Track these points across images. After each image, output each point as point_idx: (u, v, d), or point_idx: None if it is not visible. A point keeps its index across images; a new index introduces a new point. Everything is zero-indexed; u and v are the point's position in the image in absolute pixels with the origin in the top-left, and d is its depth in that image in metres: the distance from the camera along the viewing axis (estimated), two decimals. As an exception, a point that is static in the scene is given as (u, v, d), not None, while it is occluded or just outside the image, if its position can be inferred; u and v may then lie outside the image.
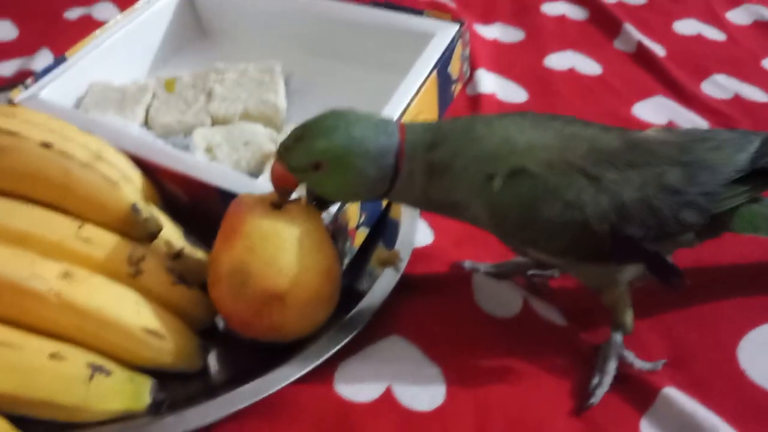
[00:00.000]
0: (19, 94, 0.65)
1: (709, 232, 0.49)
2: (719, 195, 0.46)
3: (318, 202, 0.49)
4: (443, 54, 0.63)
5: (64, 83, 0.69)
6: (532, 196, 0.43)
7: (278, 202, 0.48)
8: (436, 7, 0.95)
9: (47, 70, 0.69)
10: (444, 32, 0.65)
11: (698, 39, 0.89)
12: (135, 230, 0.51)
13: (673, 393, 0.47)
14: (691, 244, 0.49)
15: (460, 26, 0.66)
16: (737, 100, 0.77)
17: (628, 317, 0.49)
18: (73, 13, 0.98)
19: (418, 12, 0.69)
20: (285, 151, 0.45)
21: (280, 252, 0.47)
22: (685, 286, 0.46)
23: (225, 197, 0.55)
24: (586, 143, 0.45)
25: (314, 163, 0.44)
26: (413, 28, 0.68)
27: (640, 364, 0.49)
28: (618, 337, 0.49)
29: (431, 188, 0.45)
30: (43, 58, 0.86)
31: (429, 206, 0.48)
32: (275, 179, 0.47)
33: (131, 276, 0.50)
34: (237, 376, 0.50)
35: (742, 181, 0.47)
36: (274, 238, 0.47)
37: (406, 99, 0.61)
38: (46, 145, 0.49)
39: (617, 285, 0.48)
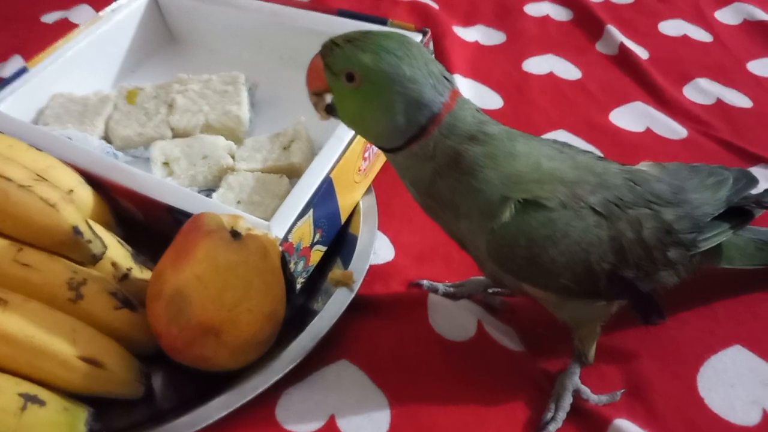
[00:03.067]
0: (-23, 108, 0.64)
1: (687, 272, 0.47)
2: (702, 233, 0.46)
3: (328, 110, 0.43)
4: (404, 64, 0.61)
5: (25, 95, 0.68)
6: (541, 233, 0.41)
7: (239, 232, 0.47)
8: (417, 8, 0.93)
9: (8, 81, 0.68)
10: (405, 42, 0.63)
11: (684, 40, 0.86)
12: (77, 253, 0.50)
13: (624, 424, 0.46)
14: (670, 283, 0.47)
15: (423, 36, 0.64)
16: (719, 105, 0.75)
17: (593, 350, 0.48)
18: (50, 17, 0.97)
19: (382, 21, 0.67)
20: (331, 46, 0.40)
21: (228, 288, 0.46)
22: (661, 324, 0.46)
23: (175, 215, 0.54)
24: (596, 178, 0.43)
25: (349, 73, 0.39)
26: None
27: (596, 398, 0.48)
28: (576, 369, 0.48)
29: (444, 178, 0.41)
30: (14, 65, 0.85)
31: (424, 193, 0.43)
32: (309, 72, 0.42)
33: (71, 301, 0.49)
34: (182, 403, 0.49)
35: (720, 219, 0.47)
36: (225, 272, 0.46)
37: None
38: (-17, 168, 0.48)
39: (597, 320, 0.47)
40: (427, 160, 0.41)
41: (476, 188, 0.41)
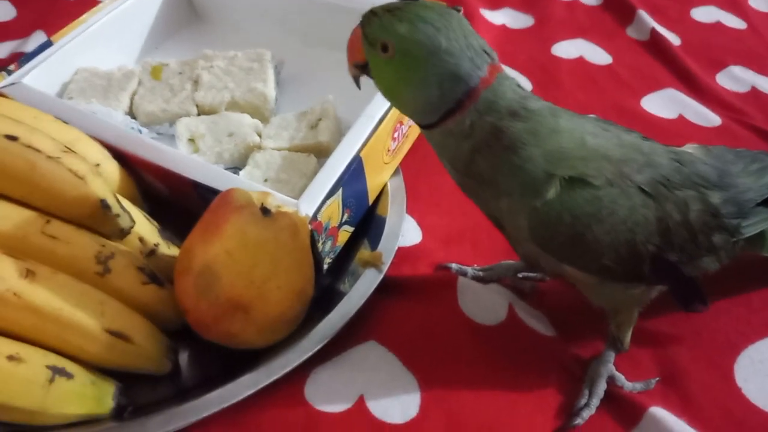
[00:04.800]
0: (1, 80, 0.64)
1: (729, 257, 0.46)
2: (748, 219, 0.45)
3: (361, 71, 0.42)
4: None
5: (49, 69, 0.67)
6: (587, 210, 0.39)
7: (269, 208, 0.46)
8: (443, -10, 0.92)
9: (32, 55, 0.67)
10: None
11: (716, 27, 0.84)
12: (105, 226, 0.50)
13: (660, 413, 0.45)
14: (712, 269, 0.46)
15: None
16: (753, 93, 0.73)
17: (629, 336, 0.47)
18: (72, -6, 0.96)
19: (412, -2, 0.66)
20: (369, 16, 0.39)
21: (258, 264, 0.45)
22: (703, 312, 0.45)
23: (201, 191, 0.53)
24: (642, 157, 0.41)
25: (384, 43, 0.38)
26: None
27: (631, 386, 0.47)
28: (611, 355, 0.47)
29: (483, 155, 0.40)
30: (37, 41, 0.84)
31: (463, 171, 0.42)
32: (348, 44, 0.41)
33: (99, 275, 0.48)
34: (208, 380, 0.49)
35: (763, 204, 0.46)
36: (254, 248, 0.45)
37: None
38: (11, 138, 0.47)
39: (635, 306, 0.46)
40: (465, 137, 0.40)
41: (518, 165, 0.39)
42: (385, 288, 0.53)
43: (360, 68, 0.42)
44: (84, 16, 0.71)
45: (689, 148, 0.47)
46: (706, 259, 0.44)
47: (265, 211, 0.46)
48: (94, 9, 0.72)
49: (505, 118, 0.39)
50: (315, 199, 0.51)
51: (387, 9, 0.39)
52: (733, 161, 0.47)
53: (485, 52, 0.39)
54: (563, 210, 0.39)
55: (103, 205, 0.49)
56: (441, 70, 0.38)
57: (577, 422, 0.45)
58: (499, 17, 0.88)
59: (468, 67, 0.38)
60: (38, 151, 0.48)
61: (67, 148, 0.50)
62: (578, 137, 0.40)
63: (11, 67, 0.65)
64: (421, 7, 0.39)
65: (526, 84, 0.76)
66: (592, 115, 0.44)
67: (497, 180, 0.41)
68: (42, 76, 0.66)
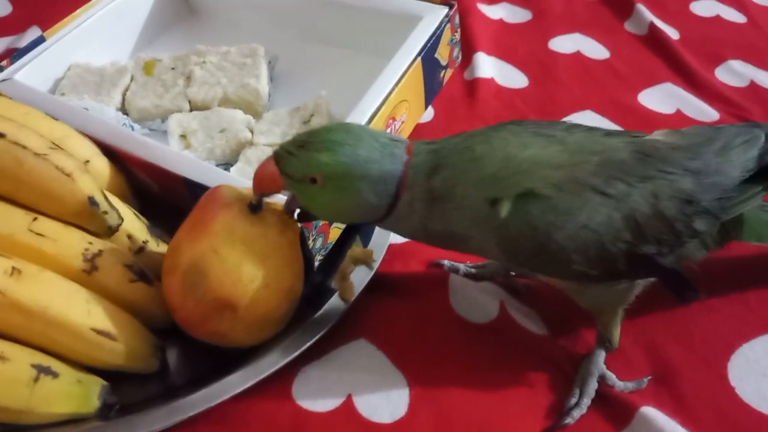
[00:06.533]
0: (-6, 76, 0.63)
1: (716, 243, 0.45)
2: (731, 200, 0.43)
3: (300, 215, 0.45)
4: (429, 39, 0.60)
5: (42, 65, 0.67)
6: (543, 220, 0.39)
7: (257, 204, 0.46)
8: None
9: (25, 51, 0.67)
10: (431, 16, 0.61)
11: (716, 21, 0.83)
12: (93, 224, 0.49)
13: (651, 412, 0.44)
14: (698, 257, 0.45)
15: (449, 10, 0.62)
16: (752, 87, 0.72)
17: (617, 335, 0.46)
18: (68, -11, 0.96)
19: (406, -7, 0.65)
20: (284, 155, 0.41)
21: (246, 262, 0.44)
22: (699, 300, 0.44)
23: (191, 188, 0.53)
24: (595, 156, 0.41)
25: (311, 176, 0.40)
26: (401, 11, 0.64)
27: (622, 385, 0.46)
28: (602, 354, 0.46)
29: (431, 218, 0.41)
30: (32, 37, 0.84)
31: (427, 237, 0.43)
32: (261, 179, 0.43)
33: (86, 272, 0.48)
34: (196, 378, 0.49)
35: (752, 180, 0.44)
36: (242, 245, 0.44)
37: (389, 86, 0.58)
38: (-2, 135, 0.47)
39: (620, 305, 0.45)
40: (411, 215, 0.42)
41: (461, 206, 0.40)
42: (376, 285, 0.52)
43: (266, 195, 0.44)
44: (77, 11, 0.71)
45: (658, 134, 0.45)
46: (690, 246, 0.43)
47: (253, 207, 0.46)
48: (88, 4, 0.72)
49: (429, 179, 0.41)
50: (305, 196, 0.50)
51: (298, 145, 0.41)
52: (709, 140, 0.44)
53: (394, 140, 0.42)
54: (520, 225, 0.40)
55: (91, 202, 0.48)
56: (371, 179, 0.40)
57: (567, 422, 0.44)
58: (496, 11, 0.87)
59: (391, 164, 0.41)
60: (25, 148, 0.48)
61: (55, 144, 0.50)
62: (501, 156, 0.41)
63: (3, 63, 0.65)
64: (328, 133, 0.41)
65: (523, 80, 0.76)
66: (524, 123, 0.44)
67: (454, 230, 0.41)
68: (34, 72, 0.66)
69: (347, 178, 0.40)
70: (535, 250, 0.40)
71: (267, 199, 0.48)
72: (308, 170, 0.40)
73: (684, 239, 0.42)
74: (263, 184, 0.43)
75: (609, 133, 0.44)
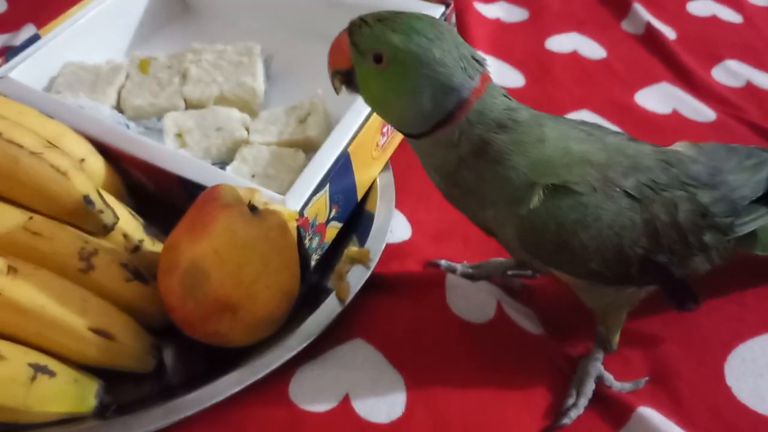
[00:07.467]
0: (-13, 74, 0.63)
1: (721, 258, 0.45)
2: (740, 217, 0.45)
3: (347, 83, 0.41)
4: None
5: (37, 63, 0.66)
6: (571, 217, 0.39)
7: (256, 206, 0.45)
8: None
9: (20, 49, 0.66)
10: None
11: (713, 21, 0.83)
12: (88, 223, 0.49)
13: (648, 412, 0.44)
14: (702, 270, 0.45)
15: (445, 9, 0.61)
16: (749, 87, 0.73)
17: (617, 337, 0.46)
18: (63, -14, 0.96)
19: (403, -9, 0.65)
20: (359, 25, 0.38)
21: (247, 264, 0.44)
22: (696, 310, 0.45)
23: (187, 187, 0.52)
24: (627, 160, 0.41)
25: (377, 53, 0.38)
26: (398, 9, 0.63)
27: (619, 386, 0.46)
28: (600, 355, 0.47)
29: (469, 166, 0.40)
30: (27, 35, 0.83)
31: (448, 181, 0.41)
32: (333, 49, 0.40)
33: (82, 271, 0.47)
34: (192, 378, 0.48)
35: (759, 201, 0.46)
36: (243, 248, 0.44)
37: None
38: (-7, 133, 0.47)
39: (625, 307, 0.46)
40: (453, 147, 0.40)
41: (503, 176, 0.39)
42: (373, 285, 0.52)
43: (342, 74, 0.41)
44: (73, 9, 0.70)
45: (679, 146, 0.46)
46: (697, 259, 0.44)
47: (253, 208, 0.46)
48: (84, 2, 0.71)
49: (492, 130, 0.39)
50: (301, 196, 0.50)
51: (378, 18, 0.38)
52: (725, 158, 0.46)
53: (477, 61, 0.39)
54: (548, 218, 0.39)
55: (86, 200, 0.48)
56: (434, 81, 0.37)
57: (564, 422, 0.44)
58: (493, 10, 0.87)
59: (461, 78, 0.38)
60: (21, 146, 0.48)
61: (51, 143, 0.50)
62: (562, 145, 0.40)
63: (-3, 60, 0.64)
64: (413, 18, 0.38)
65: (520, 79, 0.75)
66: (577, 119, 0.44)
67: (483, 191, 0.40)
68: (29, 70, 0.65)
69: (411, 69, 0.37)
70: (555, 245, 0.40)
71: (266, 202, 0.48)
72: (376, 45, 0.38)
73: (693, 251, 0.43)
74: (334, 53, 0.40)
75: (638, 142, 0.44)
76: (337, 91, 0.42)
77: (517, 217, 0.40)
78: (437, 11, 0.61)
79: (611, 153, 0.41)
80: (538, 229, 0.40)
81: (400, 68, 0.38)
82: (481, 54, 0.39)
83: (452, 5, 0.62)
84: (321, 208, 0.52)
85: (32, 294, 0.44)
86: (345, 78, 0.41)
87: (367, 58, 0.38)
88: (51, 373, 0.44)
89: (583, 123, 0.44)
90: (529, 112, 0.41)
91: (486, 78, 0.39)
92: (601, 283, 0.43)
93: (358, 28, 0.39)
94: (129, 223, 0.52)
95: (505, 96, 0.40)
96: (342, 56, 0.40)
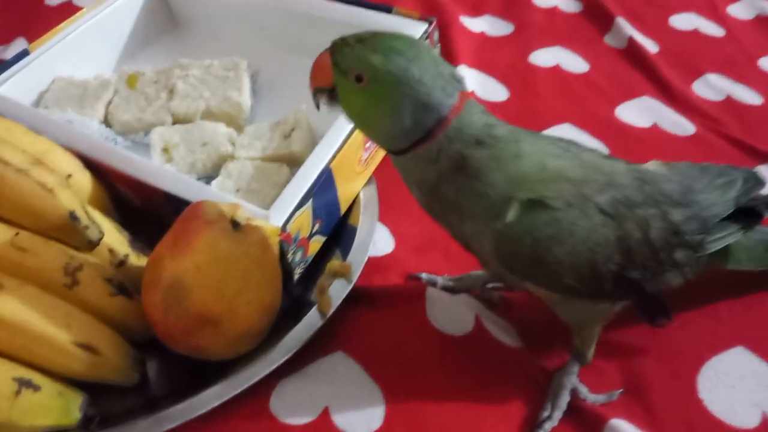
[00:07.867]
0: (-24, 90, 0.64)
1: (694, 274, 0.46)
2: (711, 234, 0.45)
3: (330, 102, 0.43)
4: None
5: (25, 78, 0.67)
6: (546, 232, 0.40)
7: (239, 222, 0.46)
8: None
9: (9, 64, 0.67)
10: (410, 31, 0.62)
11: (694, 35, 0.84)
12: (74, 238, 0.50)
13: (621, 425, 0.45)
14: (675, 284, 0.46)
15: (428, 25, 0.63)
16: (729, 101, 0.74)
17: (592, 350, 0.47)
18: (54, 0, 0.97)
19: (387, 9, 0.66)
20: (340, 45, 0.40)
21: (228, 279, 0.45)
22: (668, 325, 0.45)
23: (172, 202, 0.53)
24: (603, 177, 0.42)
25: (358, 73, 0.39)
26: (381, 27, 0.65)
27: (593, 398, 0.47)
28: (575, 368, 0.47)
29: (448, 181, 0.41)
30: (18, 48, 0.84)
31: (428, 197, 0.43)
32: (315, 68, 0.42)
33: (67, 286, 0.48)
34: (175, 391, 0.49)
35: (728, 219, 0.46)
36: (225, 263, 0.45)
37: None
38: (-21, 151, 0.48)
39: (599, 321, 0.46)
40: (432, 163, 0.41)
41: (481, 191, 0.40)
42: (355, 298, 0.53)
43: (323, 92, 0.42)
44: (62, 24, 0.71)
45: (652, 165, 0.47)
46: (670, 275, 0.44)
47: (235, 224, 0.47)
48: (73, 17, 0.72)
49: (471, 147, 0.40)
50: (284, 211, 0.51)
51: (358, 39, 0.39)
52: (697, 177, 0.47)
53: (455, 79, 0.40)
54: (523, 232, 0.40)
55: (72, 217, 0.49)
56: (413, 99, 0.39)
57: (539, 434, 0.45)
58: (478, 24, 0.88)
59: (439, 96, 0.39)
60: (7, 163, 0.48)
61: (37, 160, 0.50)
62: (539, 161, 0.41)
63: (-14, 76, 0.65)
64: (392, 38, 0.39)
65: (504, 93, 0.77)
66: (554, 135, 0.45)
67: (461, 204, 0.41)
68: (18, 85, 0.66)
69: (390, 88, 0.38)
70: (532, 259, 0.41)
71: (249, 217, 0.48)
72: (357, 65, 0.39)
73: (666, 267, 0.44)
74: (316, 72, 0.42)
75: (614, 159, 0.45)
76: (318, 107, 0.44)
77: (494, 231, 0.41)
78: (420, 29, 0.62)
79: (587, 169, 0.42)
80: (514, 243, 0.40)
81: (380, 88, 0.39)
82: (459, 72, 0.40)
83: (435, 23, 0.63)
84: (304, 223, 0.53)
85: (17, 309, 0.45)
86: (327, 95, 0.42)
87: (349, 78, 0.39)
88: (35, 387, 0.45)
89: (560, 139, 0.44)
90: (507, 128, 0.42)
91: (465, 95, 0.40)
92: (575, 297, 0.43)
93: (339, 48, 0.40)
94: (114, 238, 0.53)
95: (483, 112, 0.41)
96: (324, 75, 0.41)
